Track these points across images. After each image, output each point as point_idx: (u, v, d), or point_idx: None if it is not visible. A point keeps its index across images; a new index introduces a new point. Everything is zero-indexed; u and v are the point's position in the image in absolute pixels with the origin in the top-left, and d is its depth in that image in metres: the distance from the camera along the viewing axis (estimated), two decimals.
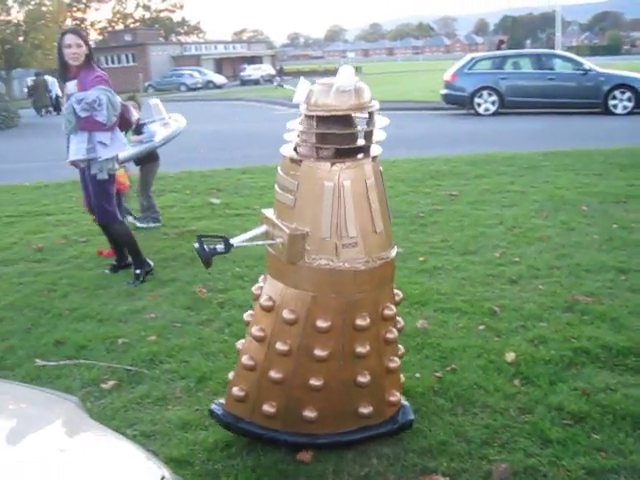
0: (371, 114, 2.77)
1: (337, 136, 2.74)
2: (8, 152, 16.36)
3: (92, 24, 73.43)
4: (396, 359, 3.03)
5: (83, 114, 4.93)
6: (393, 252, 2.92)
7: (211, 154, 13.23)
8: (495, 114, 17.49)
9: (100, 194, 5.23)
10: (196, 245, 2.85)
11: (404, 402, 3.15)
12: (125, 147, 5.42)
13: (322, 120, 2.71)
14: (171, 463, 2.95)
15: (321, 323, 2.78)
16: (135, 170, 7.44)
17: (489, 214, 6.90)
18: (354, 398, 2.93)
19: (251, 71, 55.31)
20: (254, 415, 2.97)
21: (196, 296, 5.00)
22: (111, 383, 3.71)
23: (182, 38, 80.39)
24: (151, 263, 5.61)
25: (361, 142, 2.82)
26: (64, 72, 5.19)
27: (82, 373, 3.86)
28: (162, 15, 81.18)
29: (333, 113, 2.69)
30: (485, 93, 17.66)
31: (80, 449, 1.58)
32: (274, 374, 2.86)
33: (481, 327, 4.18)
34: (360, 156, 2.79)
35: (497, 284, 4.92)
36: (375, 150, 2.85)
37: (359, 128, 2.83)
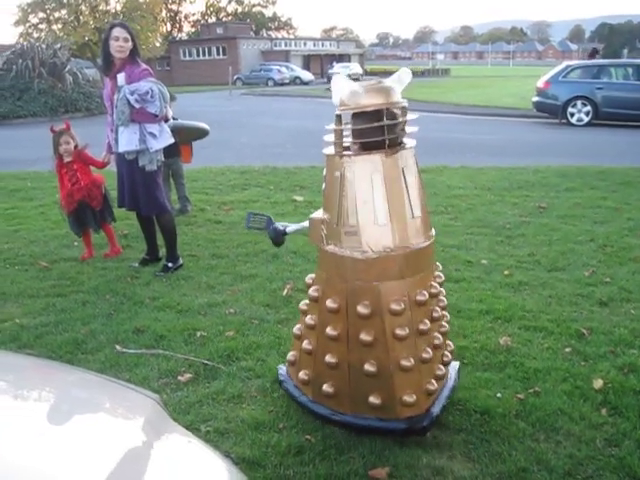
0: (390, 113, 2.92)
1: (359, 131, 2.94)
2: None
3: (186, 16, 75.24)
4: (412, 359, 2.98)
5: (137, 105, 4.99)
6: (398, 248, 2.92)
7: (296, 150, 13.25)
8: (588, 125, 16.92)
9: (151, 185, 5.30)
10: (270, 227, 3.50)
11: (433, 409, 3.09)
12: (171, 139, 5.43)
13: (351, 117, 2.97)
14: (243, 464, 2.93)
15: (330, 303, 3.03)
16: None
17: (579, 230, 6.65)
18: (364, 385, 3.03)
19: (338, 69, 55.36)
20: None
21: (276, 293, 4.99)
22: (187, 376, 3.72)
23: (272, 33, 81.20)
24: (181, 260, 5.69)
25: (385, 136, 2.92)
26: (107, 65, 5.24)
27: (160, 363, 3.89)
28: (254, 10, 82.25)
29: (348, 110, 2.95)
30: (579, 103, 17.10)
31: (160, 455, 1.55)
32: (306, 345, 3.23)
33: (567, 349, 4.00)
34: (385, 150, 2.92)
35: (586, 305, 4.72)
36: (395, 145, 2.97)
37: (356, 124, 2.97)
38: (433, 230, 3.21)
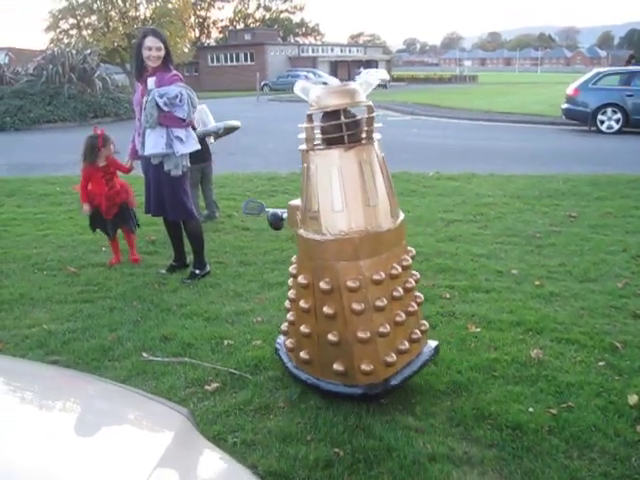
0: (346, 112, 3.29)
1: (323, 128, 3.34)
2: None
3: (214, 22, 75.75)
4: (368, 332, 3.25)
5: (165, 108, 5.01)
6: (352, 232, 3.22)
7: None
8: (619, 133, 16.70)
9: (178, 190, 5.29)
10: (269, 213, 3.95)
11: (393, 380, 3.35)
12: (197, 145, 5.41)
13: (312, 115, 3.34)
14: (270, 477, 2.89)
15: (302, 279, 3.42)
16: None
17: (611, 240, 6.53)
18: (330, 354, 3.37)
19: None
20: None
21: None
22: (214, 385, 3.70)
23: (300, 39, 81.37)
24: (209, 267, 5.67)
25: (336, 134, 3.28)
26: (139, 70, 5.27)
27: (187, 372, 3.87)
28: (282, 16, 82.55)
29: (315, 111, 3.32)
30: (609, 110, 16.88)
31: (191, 472, 1.51)
32: (289, 316, 3.66)
33: (601, 363, 3.91)
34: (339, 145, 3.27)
35: (619, 317, 4.61)
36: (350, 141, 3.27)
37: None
38: (400, 217, 3.48)
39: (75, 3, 46.17)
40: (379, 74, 3.53)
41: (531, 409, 3.40)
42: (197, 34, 72.40)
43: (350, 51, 75.77)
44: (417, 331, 3.55)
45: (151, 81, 5.11)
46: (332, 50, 71.86)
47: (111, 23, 46.54)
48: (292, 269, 3.62)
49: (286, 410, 3.45)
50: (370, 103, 3.35)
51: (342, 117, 3.25)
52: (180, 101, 5.07)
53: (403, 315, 3.40)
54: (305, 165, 3.34)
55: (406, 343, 3.45)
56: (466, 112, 24.29)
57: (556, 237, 6.65)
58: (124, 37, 45.39)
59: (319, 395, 3.51)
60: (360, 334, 3.25)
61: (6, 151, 16.14)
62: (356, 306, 3.24)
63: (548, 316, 4.60)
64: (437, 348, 3.73)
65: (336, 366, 3.34)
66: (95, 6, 46.41)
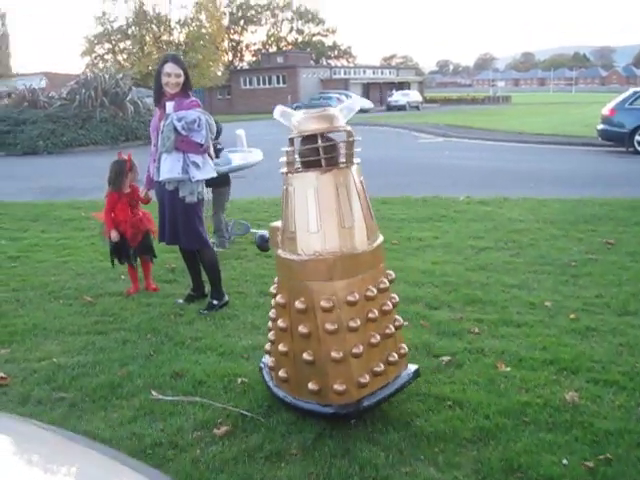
0: (324, 137, 3.39)
1: (302, 152, 3.44)
2: None
3: (247, 46, 76.44)
4: (341, 353, 3.27)
5: (183, 132, 4.86)
6: (326, 253, 3.28)
7: None
8: None
9: (192, 217, 5.12)
10: (257, 235, 4.02)
11: (366, 401, 3.37)
12: (214, 172, 5.24)
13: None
14: None
15: (280, 299, 3.49)
16: None
17: None
18: (305, 372, 3.41)
19: (398, 97, 55.34)
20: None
21: None
22: (224, 429, 3.47)
23: (332, 62, 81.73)
24: (227, 297, 5.47)
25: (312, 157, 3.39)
26: (158, 96, 5.16)
27: (196, 412, 3.65)
28: (314, 39, 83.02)
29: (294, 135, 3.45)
30: None
31: None
32: (270, 335, 3.70)
33: None
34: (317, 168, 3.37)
35: None
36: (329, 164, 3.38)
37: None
38: (378, 241, 3.51)
39: (110, 29, 46.97)
40: (362, 102, 3.66)
41: (565, 461, 3.12)
42: (230, 57, 73.14)
43: (382, 73, 75.77)
44: (394, 354, 3.56)
45: (170, 105, 4.97)
46: (364, 72, 71.90)
47: (145, 47, 47.29)
48: (272, 289, 3.69)
49: (299, 458, 3.21)
50: (349, 128, 3.45)
51: (319, 141, 3.34)
52: (198, 126, 4.92)
53: (378, 337, 3.42)
54: (284, 187, 3.43)
55: (381, 365, 3.45)
56: (499, 133, 23.95)
57: (592, 266, 6.33)
58: (158, 61, 45.91)
59: (294, 413, 3.56)
60: (333, 354, 3.28)
61: (38, 174, 16.27)
62: (329, 326, 3.28)
63: (584, 354, 4.31)
64: (417, 372, 3.75)
65: (311, 385, 3.37)
66: (130, 31, 47.17)
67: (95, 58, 46.70)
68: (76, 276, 6.45)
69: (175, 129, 4.87)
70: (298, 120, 3.45)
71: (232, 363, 4.29)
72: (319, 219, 3.28)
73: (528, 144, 20.52)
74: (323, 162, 3.36)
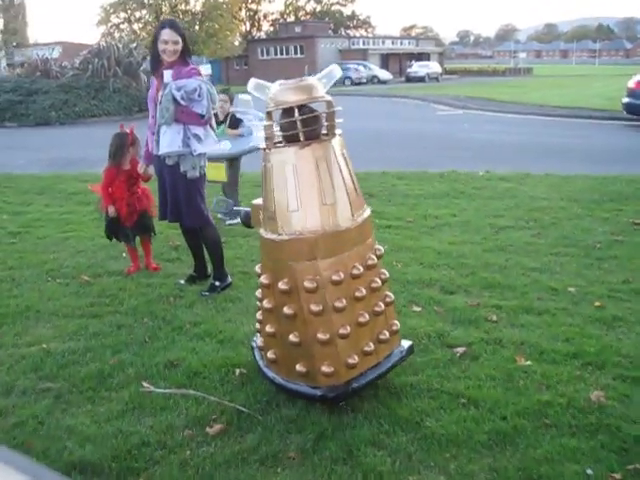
0: (303, 109, 3.22)
1: (281, 126, 3.28)
2: None
3: (265, 16, 75.51)
4: (327, 334, 3.16)
5: (183, 102, 4.56)
6: (308, 232, 3.15)
7: (369, 153, 12.67)
8: None
9: (193, 193, 4.81)
10: (242, 212, 3.87)
11: (355, 383, 3.25)
12: (216, 144, 4.96)
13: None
14: None
15: (264, 279, 3.38)
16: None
17: None
18: (293, 354, 3.30)
19: (417, 68, 54.42)
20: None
21: None
22: (217, 427, 3.20)
23: (351, 32, 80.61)
24: (230, 279, 5.17)
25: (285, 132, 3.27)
26: (156, 64, 4.83)
27: (189, 407, 3.39)
28: (333, 8, 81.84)
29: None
30: None
31: None
32: (258, 315, 3.57)
33: None
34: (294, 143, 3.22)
35: None
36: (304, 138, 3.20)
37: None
38: (364, 215, 3.35)
39: None
40: (332, 70, 3.42)
41: (590, 471, 2.82)
42: (248, 27, 72.29)
43: (402, 43, 74.60)
44: (385, 332, 3.44)
45: (168, 74, 4.65)
46: (383, 43, 70.86)
47: (162, 16, 46.66)
48: (257, 268, 3.56)
49: (297, 462, 2.94)
50: (329, 98, 3.30)
51: (296, 114, 3.19)
52: (199, 95, 4.60)
53: (367, 316, 3.30)
54: (263, 164, 3.28)
55: (371, 344, 3.35)
56: (520, 106, 23.36)
57: (619, 248, 5.97)
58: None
59: (286, 395, 3.45)
60: (320, 335, 3.18)
61: (49, 145, 16.03)
62: (314, 307, 3.17)
63: (610, 346, 3.98)
64: (410, 349, 3.65)
65: (299, 367, 3.28)
66: (146, 0, 46.62)
67: (111, 27, 46.28)
68: (76, 254, 6.19)
69: (174, 99, 4.56)
70: (274, 92, 3.27)
71: (231, 352, 4.01)
72: (299, 197, 3.15)
73: (550, 117, 19.96)
74: (302, 136, 3.20)
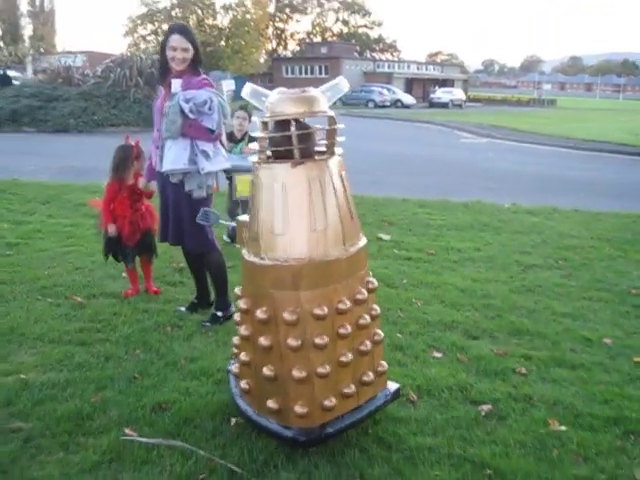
0: (299, 123, 2.93)
1: (272, 140, 2.98)
2: None
3: (292, 35, 75.67)
4: (304, 372, 2.89)
5: (191, 115, 4.17)
6: (292, 259, 2.88)
7: (389, 178, 12.26)
8: None
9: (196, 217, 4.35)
10: (230, 227, 3.71)
11: (330, 427, 2.98)
12: (226, 163, 4.54)
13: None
14: None
15: (242, 304, 3.11)
16: None
17: None
18: (266, 388, 3.05)
19: (441, 94, 54.08)
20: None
21: None
22: None
23: (376, 55, 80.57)
24: (234, 308, 4.68)
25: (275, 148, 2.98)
26: (164, 72, 4.43)
27: (174, 463, 2.95)
28: (360, 31, 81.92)
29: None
30: None
31: None
32: (235, 340, 3.33)
33: None
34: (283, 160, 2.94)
35: None
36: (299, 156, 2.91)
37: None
38: (358, 245, 3.08)
39: (154, 10, 46.62)
40: (339, 82, 3.14)
41: None
42: (274, 45, 72.46)
43: (427, 69, 74.42)
44: (370, 373, 3.15)
45: (176, 83, 4.26)
46: (408, 67, 70.68)
47: None
48: (237, 290, 3.29)
49: None
50: (332, 113, 3.00)
51: (293, 128, 2.89)
52: (209, 109, 4.21)
53: (350, 355, 3.01)
54: (252, 179, 3.05)
55: (352, 386, 3.06)
56: (545, 137, 22.86)
57: None
58: (200, 45, 45.47)
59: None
60: (295, 372, 2.91)
61: (64, 153, 15.74)
62: (292, 342, 2.90)
63: None
64: (397, 392, 3.37)
65: (270, 403, 3.01)
66: (174, 13, 46.75)
67: (137, 39, 46.41)
68: (73, 270, 5.79)
69: (182, 111, 4.17)
70: (272, 101, 2.97)
71: (228, 396, 3.57)
72: (286, 219, 2.88)
73: (577, 150, 19.42)
74: (296, 153, 2.90)
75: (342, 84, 3.13)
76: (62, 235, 7.10)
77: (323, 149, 3.07)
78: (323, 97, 3.02)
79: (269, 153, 3.06)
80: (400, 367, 3.97)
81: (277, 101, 2.96)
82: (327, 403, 2.96)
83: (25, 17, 71.78)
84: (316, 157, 3.02)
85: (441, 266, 6.21)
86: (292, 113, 2.91)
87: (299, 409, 2.94)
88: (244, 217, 3.27)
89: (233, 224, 3.59)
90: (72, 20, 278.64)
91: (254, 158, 3.04)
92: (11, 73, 32.46)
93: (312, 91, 3.01)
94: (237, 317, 3.26)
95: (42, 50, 61.13)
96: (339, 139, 3.05)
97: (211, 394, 3.60)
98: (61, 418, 3.31)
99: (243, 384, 3.19)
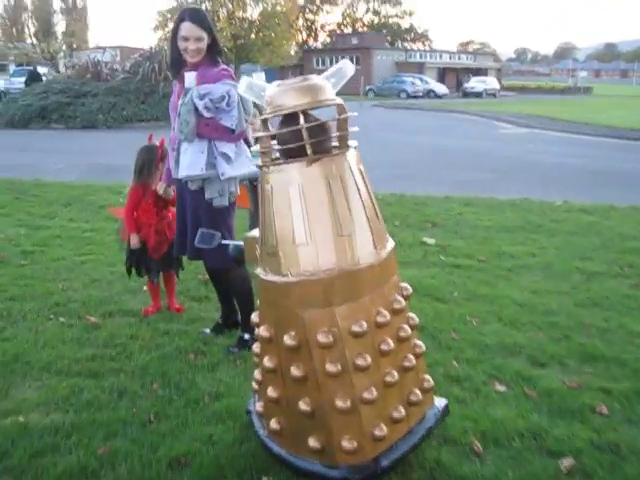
0: (307, 115, 2.58)
1: (280, 137, 2.64)
2: None
3: (322, 26, 74.93)
4: (348, 400, 2.54)
5: (207, 114, 3.61)
6: (321, 271, 2.53)
7: (428, 172, 11.64)
8: None
9: (219, 226, 3.75)
10: (231, 246, 3.17)
11: (383, 459, 2.62)
12: (251, 166, 3.92)
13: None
14: None
15: (263, 332, 2.75)
16: None
17: None
18: (303, 425, 2.68)
19: (475, 83, 53.06)
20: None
21: None
22: None
23: (408, 45, 79.44)
24: None
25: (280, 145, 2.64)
26: (177, 65, 3.89)
27: None
28: (391, 21, 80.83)
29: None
30: None
31: None
32: (257, 375, 2.91)
33: None
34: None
35: None
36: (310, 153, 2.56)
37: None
38: (388, 247, 2.74)
39: (185, 3, 46.21)
40: (344, 66, 2.74)
41: None
42: (304, 37, 71.78)
43: (459, 58, 73.16)
44: (417, 391, 2.83)
45: (190, 77, 3.71)
46: (440, 57, 69.50)
47: (218, 23, 46.36)
48: (254, 317, 2.91)
49: None
50: (340, 101, 2.61)
51: (302, 121, 2.53)
52: (228, 105, 3.64)
53: (395, 374, 2.69)
54: (260, 186, 2.67)
55: (401, 409, 2.73)
56: (586, 127, 21.98)
57: None
58: (230, 38, 45.05)
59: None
60: (338, 402, 2.58)
61: (92, 150, 15.39)
62: (331, 367, 2.57)
63: None
64: (446, 409, 3.02)
65: (311, 442, 2.64)
66: (203, 6, 46.28)
67: (167, 32, 46.06)
68: (90, 284, 5.30)
69: (196, 109, 3.62)
70: (271, 95, 2.62)
71: (259, 445, 3.02)
72: (307, 226, 2.54)
73: (624, 140, 18.54)
74: (309, 149, 2.54)
75: (346, 68, 2.75)
76: (81, 242, 6.62)
77: (336, 143, 2.70)
78: (328, 84, 2.66)
79: (276, 154, 2.72)
80: (459, 405, 3.39)
81: (277, 93, 2.62)
82: (378, 432, 2.62)
83: (58, 14, 72.28)
84: (331, 152, 2.67)
85: (494, 275, 5.60)
86: (296, 105, 2.55)
87: (347, 444, 2.58)
88: (252, 233, 2.98)
89: (236, 243, 3.19)
90: (105, 16, 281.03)
91: (258, 162, 2.68)
92: (41, 69, 32.40)
93: (315, 79, 2.67)
94: (257, 348, 2.86)
95: (74, 46, 61.33)
96: (352, 129, 2.67)
97: (238, 443, 3.05)
98: (61, 476, 2.79)
99: (273, 424, 2.79)
